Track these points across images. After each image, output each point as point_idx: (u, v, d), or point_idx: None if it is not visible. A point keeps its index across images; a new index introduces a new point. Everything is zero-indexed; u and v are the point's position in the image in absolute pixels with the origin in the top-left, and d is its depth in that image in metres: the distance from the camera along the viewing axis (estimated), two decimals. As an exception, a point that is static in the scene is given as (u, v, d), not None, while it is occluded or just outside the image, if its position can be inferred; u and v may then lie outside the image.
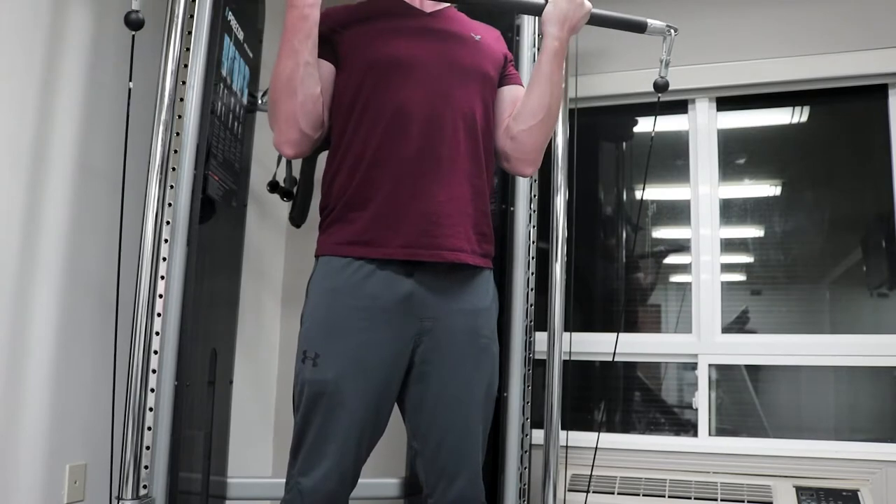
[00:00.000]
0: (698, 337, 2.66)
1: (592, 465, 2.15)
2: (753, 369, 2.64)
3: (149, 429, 1.81)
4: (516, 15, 2.31)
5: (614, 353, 2.11)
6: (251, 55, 2.34)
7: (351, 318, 1.43)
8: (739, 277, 2.75)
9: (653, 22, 1.70)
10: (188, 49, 1.92)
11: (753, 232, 2.78)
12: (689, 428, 2.64)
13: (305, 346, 1.45)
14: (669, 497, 2.39)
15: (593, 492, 2.42)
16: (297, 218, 2.37)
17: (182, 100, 1.91)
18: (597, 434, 2.71)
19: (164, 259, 1.86)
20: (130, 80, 1.61)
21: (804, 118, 2.75)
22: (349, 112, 1.50)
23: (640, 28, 1.70)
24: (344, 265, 1.45)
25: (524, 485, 2.13)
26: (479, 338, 1.51)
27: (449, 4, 1.65)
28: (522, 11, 2.06)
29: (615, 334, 2.76)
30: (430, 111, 1.47)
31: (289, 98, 1.47)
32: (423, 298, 1.45)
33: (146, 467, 1.79)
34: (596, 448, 2.06)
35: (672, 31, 1.72)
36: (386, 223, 1.44)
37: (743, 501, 2.32)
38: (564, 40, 1.56)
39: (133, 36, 1.58)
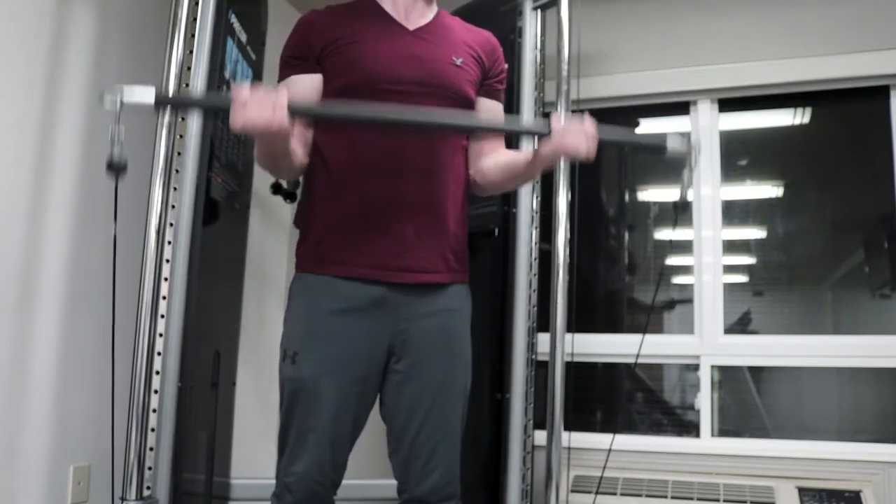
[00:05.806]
0: (700, 338, 2.66)
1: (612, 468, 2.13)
2: (756, 370, 2.64)
3: (152, 430, 1.82)
4: (518, 16, 2.31)
5: (637, 356, 2.08)
6: (254, 57, 2.35)
7: (327, 317, 1.48)
8: (742, 278, 2.74)
9: (672, 142, 1.41)
10: (191, 52, 1.93)
11: (755, 233, 2.78)
12: (692, 429, 2.64)
13: (285, 346, 1.51)
14: (672, 498, 2.39)
15: (596, 492, 2.42)
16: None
17: (185, 102, 1.92)
18: (599, 435, 2.72)
19: (168, 261, 1.87)
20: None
21: (806, 119, 2.75)
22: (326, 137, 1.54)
23: (658, 149, 1.44)
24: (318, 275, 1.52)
25: (527, 486, 2.13)
26: (454, 337, 1.55)
27: (432, 19, 1.59)
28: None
29: (620, 335, 2.78)
30: (402, 147, 1.49)
31: (276, 169, 1.61)
32: (396, 300, 1.49)
33: (150, 468, 1.80)
34: (610, 450, 2.05)
35: (694, 150, 1.42)
36: (356, 249, 1.49)
37: (745, 502, 2.32)
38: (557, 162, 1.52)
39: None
